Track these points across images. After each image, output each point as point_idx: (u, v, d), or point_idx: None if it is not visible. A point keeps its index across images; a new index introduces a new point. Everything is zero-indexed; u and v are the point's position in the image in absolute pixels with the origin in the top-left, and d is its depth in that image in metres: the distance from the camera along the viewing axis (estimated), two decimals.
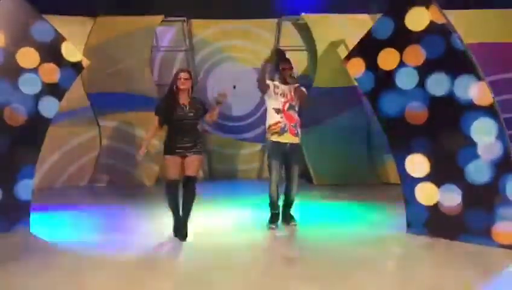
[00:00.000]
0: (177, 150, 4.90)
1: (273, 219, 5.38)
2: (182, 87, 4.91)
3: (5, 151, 5.07)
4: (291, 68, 5.36)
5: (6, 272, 4.10)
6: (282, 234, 5.26)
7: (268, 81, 5.30)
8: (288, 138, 5.24)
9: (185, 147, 4.90)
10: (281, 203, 5.45)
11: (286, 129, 5.22)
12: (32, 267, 4.24)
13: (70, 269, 4.20)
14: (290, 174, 5.35)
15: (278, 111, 5.24)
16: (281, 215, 5.47)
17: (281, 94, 5.27)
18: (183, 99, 4.95)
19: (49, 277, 4.03)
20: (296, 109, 5.34)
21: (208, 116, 5.09)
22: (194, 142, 4.93)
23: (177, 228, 5.00)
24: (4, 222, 5.14)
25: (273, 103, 5.27)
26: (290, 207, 5.48)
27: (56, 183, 7.94)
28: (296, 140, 5.29)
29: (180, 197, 4.97)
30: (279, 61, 5.40)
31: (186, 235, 4.92)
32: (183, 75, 4.95)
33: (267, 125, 5.34)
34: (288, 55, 5.57)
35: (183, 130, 4.89)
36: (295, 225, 5.42)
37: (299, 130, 5.32)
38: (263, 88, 5.25)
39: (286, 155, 5.29)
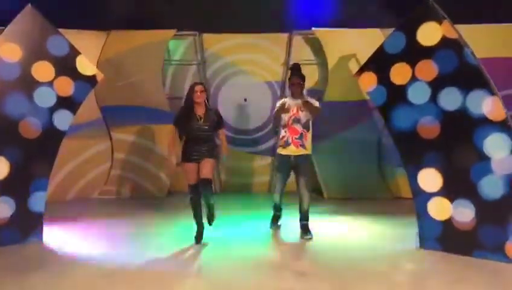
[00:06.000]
0: (193, 157, 5.18)
1: (274, 219, 5.90)
2: (197, 100, 5.19)
3: (19, 164, 5.12)
4: (299, 84, 5.53)
5: (19, 283, 4.12)
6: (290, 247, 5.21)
7: (281, 101, 5.63)
8: (291, 150, 5.49)
9: (201, 154, 5.18)
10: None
11: (289, 142, 5.48)
12: (45, 278, 4.26)
13: (82, 280, 4.22)
14: (299, 187, 5.56)
15: (284, 126, 5.54)
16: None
17: (287, 109, 5.47)
18: (199, 111, 5.23)
19: (61, 288, 4.06)
20: (303, 121, 5.48)
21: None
22: (209, 149, 5.21)
23: (198, 235, 5.23)
24: (17, 233, 5.19)
25: (283, 119, 5.54)
26: (304, 219, 5.60)
27: (68, 195, 7.99)
28: (299, 152, 5.48)
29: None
30: (291, 75, 5.64)
31: (214, 218, 5.31)
32: (198, 88, 5.23)
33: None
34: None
35: (199, 139, 5.20)
36: (309, 238, 5.46)
37: (304, 142, 5.49)
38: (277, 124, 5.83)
39: (292, 167, 5.56)
